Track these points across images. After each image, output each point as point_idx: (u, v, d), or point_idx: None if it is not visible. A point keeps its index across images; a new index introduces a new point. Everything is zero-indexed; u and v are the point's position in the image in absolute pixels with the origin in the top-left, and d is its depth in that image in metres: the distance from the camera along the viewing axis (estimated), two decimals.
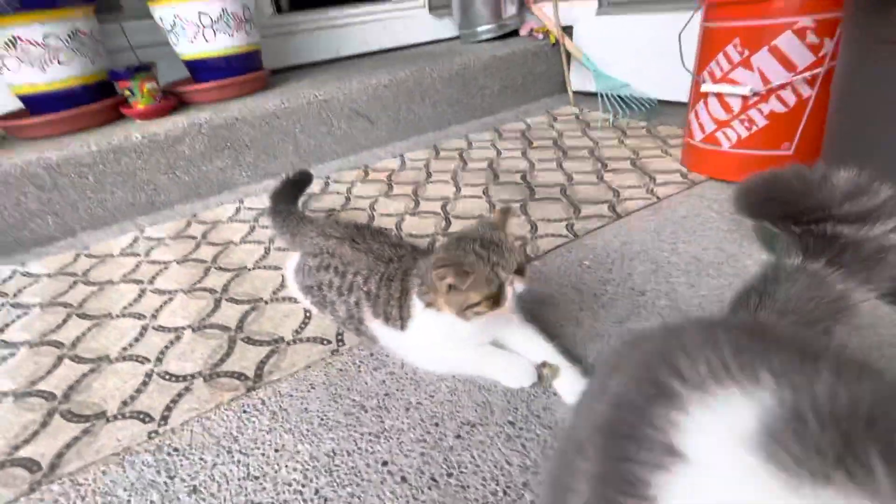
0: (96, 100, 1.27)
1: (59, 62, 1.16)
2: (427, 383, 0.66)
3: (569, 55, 1.75)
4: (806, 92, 0.92)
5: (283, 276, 0.93)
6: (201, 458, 0.59)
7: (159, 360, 0.76)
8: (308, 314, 0.82)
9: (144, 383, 0.71)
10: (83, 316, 0.88)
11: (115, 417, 0.66)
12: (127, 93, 1.26)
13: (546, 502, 0.38)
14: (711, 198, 1.04)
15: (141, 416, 0.66)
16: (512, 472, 0.53)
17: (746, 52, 0.94)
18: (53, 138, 1.21)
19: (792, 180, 0.42)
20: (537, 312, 0.72)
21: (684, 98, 1.53)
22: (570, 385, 0.61)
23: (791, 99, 0.93)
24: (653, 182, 1.14)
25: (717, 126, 1.05)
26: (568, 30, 1.77)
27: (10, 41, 1.10)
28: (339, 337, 0.77)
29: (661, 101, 1.57)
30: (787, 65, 0.90)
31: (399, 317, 0.67)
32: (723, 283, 0.78)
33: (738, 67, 0.96)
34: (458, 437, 0.58)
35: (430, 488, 0.52)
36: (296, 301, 0.86)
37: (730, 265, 0.82)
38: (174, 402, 0.67)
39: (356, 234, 0.77)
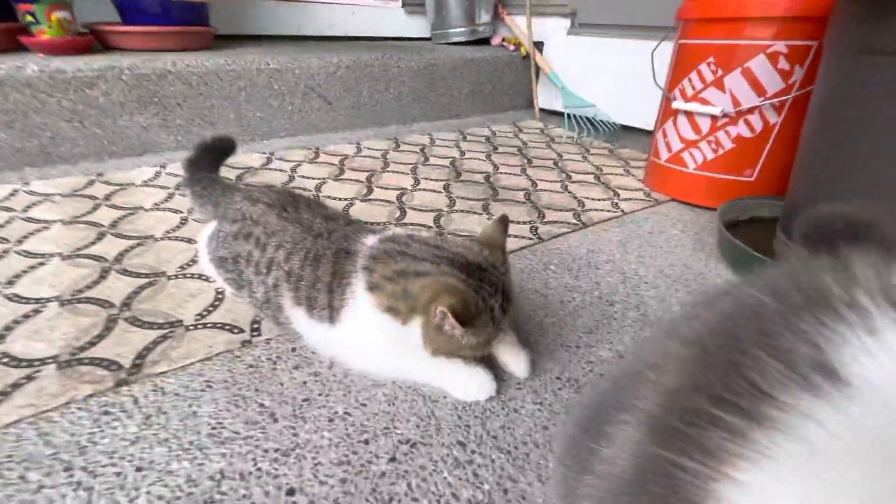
0: None
1: None
2: (360, 389, 0.52)
3: (538, 70, 1.72)
4: (773, 118, 0.90)
5: (196, 249, 0.75)
6: (22, 478, 0.40)
7: (2, 336, 0.55)
8: (220, 294, 0.65)
9: None
10: None
11: None
12: (28, 18, 1.02)
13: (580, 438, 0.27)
14: (675, 217, 0.99)
15: None
16: None
17: (720, 72, 0.91)
18: None
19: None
20: None
21: (645, 126, 1.53)
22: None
23: (758, 124, 0.91)
24: (617, 197, 1.08)
25: (685, 146, 1.01)
26: (539, 45, 1.73)
27: None
28: (255, 325, 0.60)
29: (623, 127, 1.56)
30: (758, 89, 0.88)
31: (328, 305, 0.52)
32: (693, 300, 0.71)
33: (711, 87, 0.93)
34: (393, 459, 0.44)
35: None
36: (208, 280, 0.68)
37: (698, 282, 0.76)
38: (3, 395, 0.48)
39: (289, 203, 0.62)
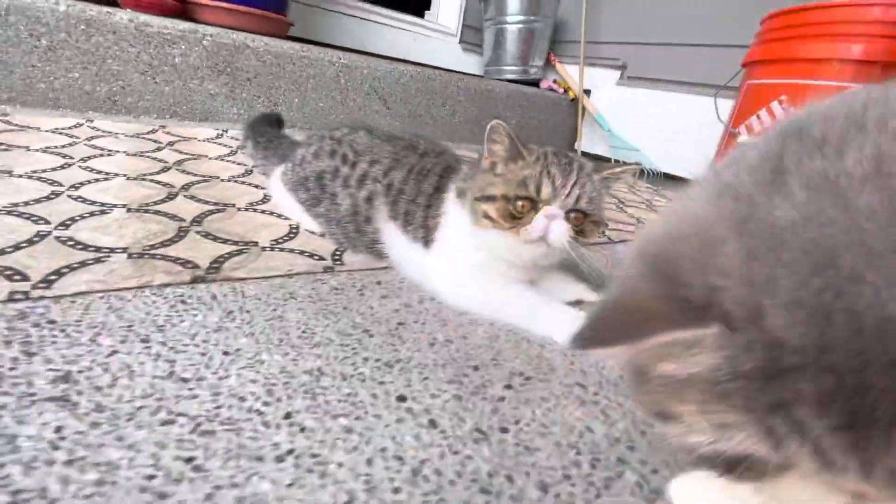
0: None
1: None
2: (458, 324, 0.47)
3: (584, 114, 1.79)
4: None
5: (265, 195, 0.72)
6: (93, 341, 0.35)
7: (65, 225, 0.51)
8: (295, 229, 0.62)
9: (30, 242, 0.46)
10: None
11: None
12: None
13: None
14: None
15: (9, 272, 0.41)
16: (597, 440, 0.34)
17: (791, 110, 0.94)
18: None
19: None
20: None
21: (687, 174, 1.57)
22: None
23: None
24: None
25: None
26: (587, 92, 1.82)
27: None
28: (337, 255, 0.56)
29: (665, 175, 1.60)
30: None
31: (423, 225, 0.50)
32: None
33: None
34: (510, 387, 0.39)
35: (476, 442, 0.32)
36: (280, 216, 0.65)
37: None
38: (68, 268, 0.43)
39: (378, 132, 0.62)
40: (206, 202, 0.65)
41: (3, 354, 0.32)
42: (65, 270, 0.43)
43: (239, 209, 0.65)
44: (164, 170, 0.75)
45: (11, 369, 0.31)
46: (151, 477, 0.25)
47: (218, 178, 0.77)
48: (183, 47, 1.06)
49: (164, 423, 0.29)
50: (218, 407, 0.31)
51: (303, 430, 0.30)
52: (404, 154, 0.56)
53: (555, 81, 1.88)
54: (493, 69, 1.92)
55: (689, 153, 1.55)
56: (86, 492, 0.24)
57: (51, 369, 0.31)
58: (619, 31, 1.75)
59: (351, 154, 0.57)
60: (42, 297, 0.39)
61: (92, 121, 0.94)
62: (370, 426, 0.32)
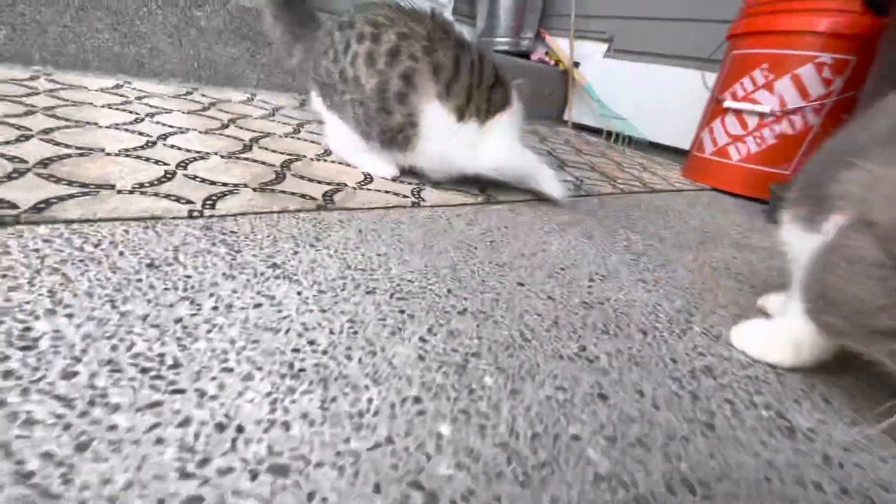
0: None
1: None
2: (535, 243, 0.58)
3: (573, 84, 1.90)
4: (812, 120, 1.07)
5: (326, 149, 0.80)
6: (274, 244, 0.43)
7: (183, 165, 0.58)
8: (369, 178, 0.70)
9: (165, 178, 0.53)
10: (55, 117, 0.66)
11: (131, 192, 0.47)
12: None
13: None
14: (721, 197, 1.14)
15: (173, 198, 0.48)
16: (667, 310, 0.46)
17: (772, 77, 1.09)
18: None
19: None
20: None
21: (671, 143, 1.72)
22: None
23: (799, 124, 1.09)
24: (666, 181, 1.22)
25: (731, 140, 1.17)
26: (576, 65, 1.93)
27: None
28: (416, 194, 0.65)
29: (651, 144, 1.75)
30: (804, 93, 1.06)
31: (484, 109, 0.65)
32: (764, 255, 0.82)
33: (762, 89, 1.11)
34: (592, 280, 0.50)
35: (584, 309, 0.43)
36: (347, 165, 0.73)
37: (754, 231, 0.88)
38: (217, 196, 0.50)
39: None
40: (282, 153, 0.72)
41: (217, 251, 0.40)
42: (215, 197, 0.50)
43: (312, 159, 0.73)
44: (223, 126, 0.81)
45: (232, 258, 0.39)
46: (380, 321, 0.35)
47: (275, 133, 0.83)
48: (208, 9, 1.09)
49: (368, 292, 0.38)
50: (394, 285, 0.40)
51: (463, 301, 0.40)
52: (439, 36, 0.62)
53: (546, 54, 1.98)
54: (487, 40, 1.99)
55: (672, 122, 1.70)
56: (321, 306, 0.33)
57: (261, 261, 0.40)
58: (607, 5, 1.86)
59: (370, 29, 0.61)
60: (212, 216, 0.46)
61: (130, 82, 0.96)
62: (509, 299, 0.42)
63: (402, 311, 0.36)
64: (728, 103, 1.16)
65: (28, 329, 0.27)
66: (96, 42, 0.99)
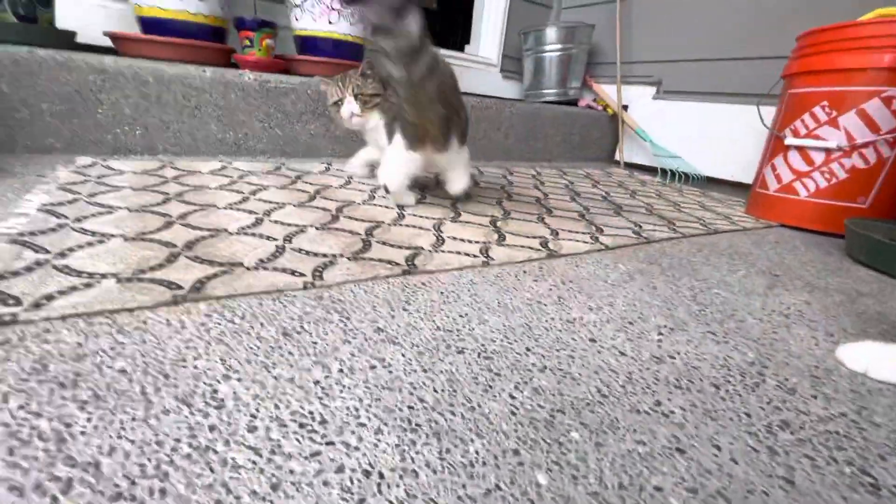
0: (212, 41, 1.29)
1: None
2: (600, 297, 0.62)
3: (623, 127, 1.95)
4: (886, 153, 1.04)
5: (399, 213, 0.90)
6: (375, 310, 0.51)
7: (288, 240, 0.69)
8: (442, 236, 0.78)
9: (278, 252, 0.63)
10: (185, 202, 0.81)
11: (256, 269, 0.57)
12: (246, 42, 1.29)
13: None
14: (792, 235, 1.11)
15: (288, 272, 0.58)
16: (741, 366, 0.48)
17: (834, 113, 1.08)
18: (164, 62, 1.20)
19: None
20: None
21: (729, 177, 1.70)
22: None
23: (872, 157, 1.06)
24: (729, 220, 1.21)
25: (797, 176, 1.16)
26: (624, 107, 1.98)
27: None
28: (484, 251, 0.72)
29: (708, 178, 1.73)
30: (873, 126, 1.04)
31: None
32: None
33: (825, 126, 1.09)
34: (661, 334, 0.53)
35: (669, 333, 0.47)
36: (425, 228, 0.82)
37: (829, 271, 0.85)
38: (322, 268, 0.60)
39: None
40: (363, 220, 0.83)
41: (331, 318, 0.48)
42: (320, 268, 0.59)
43: (388, 225, 0.82)
44: (311, 197, 0.93)
45: (345, 325, 0.47)
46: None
47: (354, 201, 0.95)
48: (293, 97, 1.27)
49: (458, 352, 0.45)
50: (480, 345, 0.46)
51: (542, 358, 0.46)
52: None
53: (594, 100, 2.05)
54: (534, 93, 2.10)
55: (728, 156, 1.69)
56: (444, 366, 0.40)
57: (368, 325, 0.47)
58: (653, 51, 1.91)
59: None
60: (321, 286, 0.55)
61: (231, 162, 1.14)
62: (583, 355, 0.47)
63: (490, 370, 0.42)
64: (790, 140, 1.16)
65: (216, 391, 0.35)
66: (205, 132, 1.19)
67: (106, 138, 1.08)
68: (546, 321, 0.53)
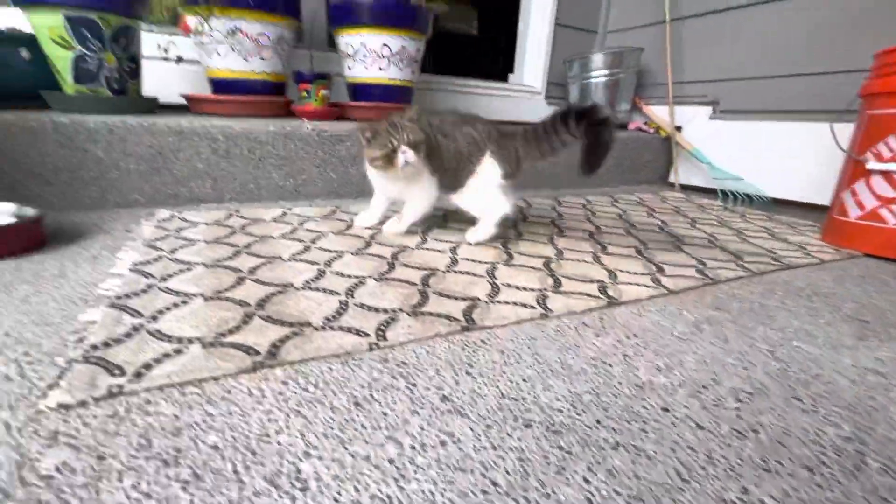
0: (273, 95, 1.40)
1: (261, 57, 1.31)
2: (668, 354, 0.60)
3: (677, 148, 1.88)
4: None
5: (451, 258, 0.91)
6: (438, 374, 0.52)
7: (350, 294, 0.72)
8: (497, 285, 0.78)
9: (342, 309, 0.66)
10: (252, 254, 0.87)
11: (324, 328, 0.60)
12: (304, 94, 1.38)
13: None
14: (881, 266, 1.02)
15: (353, 331, 0.60)
16: (831, 437, 0.45)
17: None
18: (231, 117, 1.31)
19: None
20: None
21: (796, 197, 1.60)
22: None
23: None
24: (803, 250, 1.13)
25: (882, 203, 1.07)
26: (678, 128, 1.92)
27: (232, 31, 1.25)
28: (542, 301, 0.72)
29: (774, 200, 1.63)
30: None
31: None
32: None
33: None
34: (739, 400, 0.50)
35: (736, 436, 0.44)
36: (479, 275, 0.83)
37: None
38: (384, 325, 0.62)
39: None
40: (418, 267, 0.85)
41: (398, 384, 0.50)
42: (383, 327, 0.62)
43: (443, 272, 0.84)
44: (367, 244, 0.97)
45: (411, 392, 0.48)
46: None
47: (408, 247, 0.97)
48: (347, 143, 1.34)
49: (526, 425, 0.44)
50: (547, 416, 0.46)
51: (613, 431, 0.44)
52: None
53: (645, 123, 2.00)
54: None
55: (797, 176, 1.59)
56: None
57: (433, 393, 0.49)
58: (707, 70, 1.85)
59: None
60: (385, 346, 0.57)
61: (290, 208, 1.21)
62: (658, 430, 0.45)
63: (560, 447, 0.42)
64: (872, 165, 1.07)
65: (299, 471, 0.37)
66: (267, 180, 1.27)
67: (181, 191, 1.19)
68: (613, 386, 0.52)
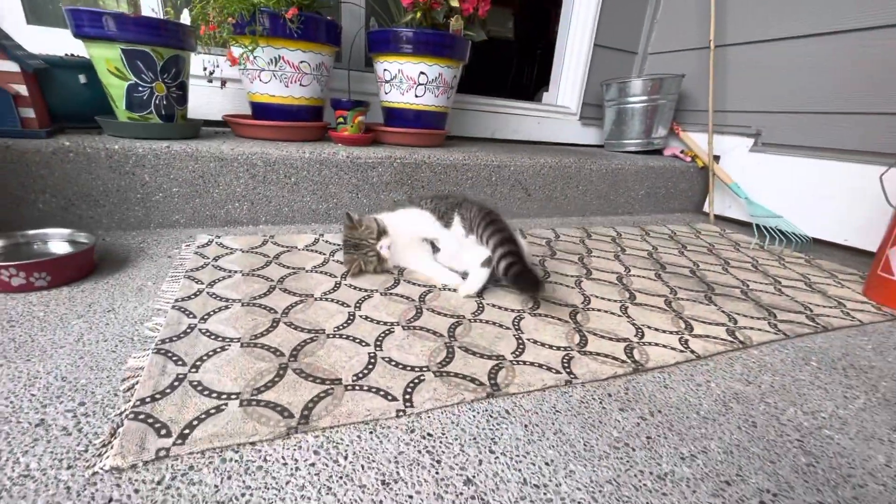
0: (311, 120, 1.44)
1: (301, 84, 1.35)
2: (692, 439, 0.60)
3: (714, 178, 1.84)
4: None
5: (478, 303, 0.93)
6: (463, 451, 0.54)
7: (378, 345, 0.74)
8: (522, 342, 0.80)
9: (370, 364, 0.69)
10: (286, 291, 0.90)
11: (354, 387, 0.63)
12: (340, 120, 1.42)
13: None
14: None
15: (382, 393, 0.63)
16: None
17: None
18: (270, 141, 1.36)
19: None
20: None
21: (840, 240, 1.54)
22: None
23: None
24: (842, 307, 1.10)
25: None
26: (716, 158, 1.88)
27: (275, 59, 1.30)
28: (567, 363, 0.73)
29: (815, 240, 1.58)
30: None
31: None
32: None
33: None
34: (762, 503, 0.51)
35: None
36: (505, 326, 0.84)
37: None
38: (411, 388, 0.64)
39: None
40: (445, 314, 0.87)
41: (423, 461, 0.52)
42: (410, 389, 0.64)
43: (470, 321, 0.86)
44: (396, 283, 1.00)
45: (436, 472, 0.50)
46: None
47: (436, 287, 1.00)
48: (379, 169, 1.37)
49: None
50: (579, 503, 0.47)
51: None
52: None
53: (682, 151, 1.96)
54: (615, 142, 2.06)
55: (841, 219, 1.53)
56: None
57: (457, 474, 0.50)
58: (751, 101, 1.80)
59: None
60: (411, 413, 0.59)
61: (322, 235, 1.25)
62: None
63: None
64: None
65: None
66: (300, 204, 1.32)
67: (219, 213, 1.24)
68: (635, 476, 0.53)
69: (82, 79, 1.19)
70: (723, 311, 1.01)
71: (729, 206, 1.86)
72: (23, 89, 1.06)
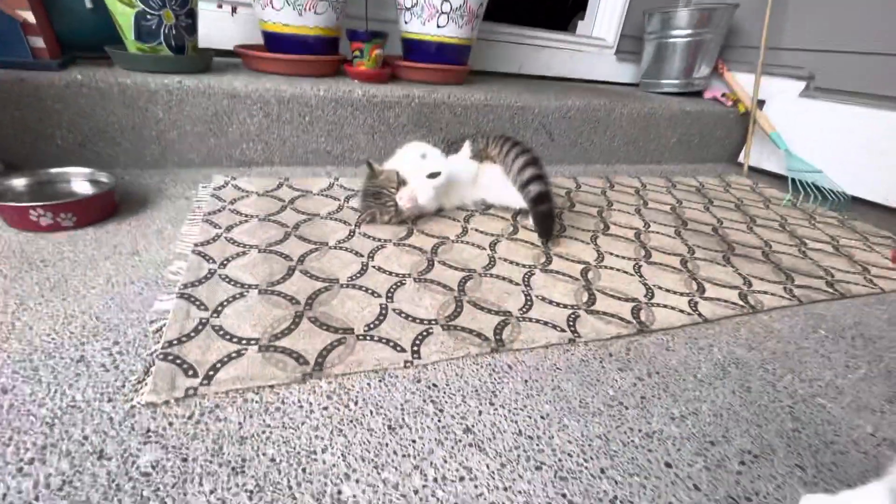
0: (326, 53, 1.39)
1: (315, 12, 1.29)
2: (685, 400, 0.64)
3: (754, 127, 1.75)
4: None
5: (489, 257, 0.96)
6: (464, 402, 0.60)
7: (389, 297, 0.79)
8: (530, 299, 0.83)
9: (382, 314, 0.74)
10: (301, 238, 0.94)
11: (365, 338, 0.68)
12: (356, 53, 1.37)
13: None
14: None
15: (391, 344, 0.68)
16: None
17: None
18: (283, 76, 1.34)
19: None
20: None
21: (881, 200, 1.48)
22: None
23: None
24: (867, 272, 1.09)
25: None
26: (760, 104, 1.77)
27: None
28: (572, 322, 0.77)
29: (853, 198, 1.53)
30: None
31: None
32: None
33: None
34: (742, 463, 0.55)
35: None
36: (515, 282, 0.87)
37: None
38: (419, 340, 0.69)
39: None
40: (457, 268, 0.90)
41: (427, 409, 0.57)
42: (418, 341, 0.69)
43: (480, 274, 0.89)
44: (410, 232, 1.03)
45: (439, 420, 0.56)
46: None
47: (449, 238, 1.02)
48: (397, 110, 1.34)
49: (537, 467, 0.52)
50: (558, 460, 0.53)
51: (615, 483, 0.51)
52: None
53: (723, 94, 1.85)
54: (652, 82, 1.95)
55: (885, 176, 1.47)
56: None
57: (458, 423, 0.56)
58: (808, 37, 1.66)
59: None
60: (418, 365, 0.65)
61: (337, 179, 1.26)
62: (656, 485, 0.51)
63: (563, 495, 0.49)
64: None
65: (340, 492, 0.46)
66: (316, 145, 1.32)
67: (234, 153, 1.26)
68: (625, 432, 0.58)
69: (88, 2, 1.16)
70: (739, 274, 1.01)
71: (766, 157, 1.79)
72: (30, 16, 1.05)
